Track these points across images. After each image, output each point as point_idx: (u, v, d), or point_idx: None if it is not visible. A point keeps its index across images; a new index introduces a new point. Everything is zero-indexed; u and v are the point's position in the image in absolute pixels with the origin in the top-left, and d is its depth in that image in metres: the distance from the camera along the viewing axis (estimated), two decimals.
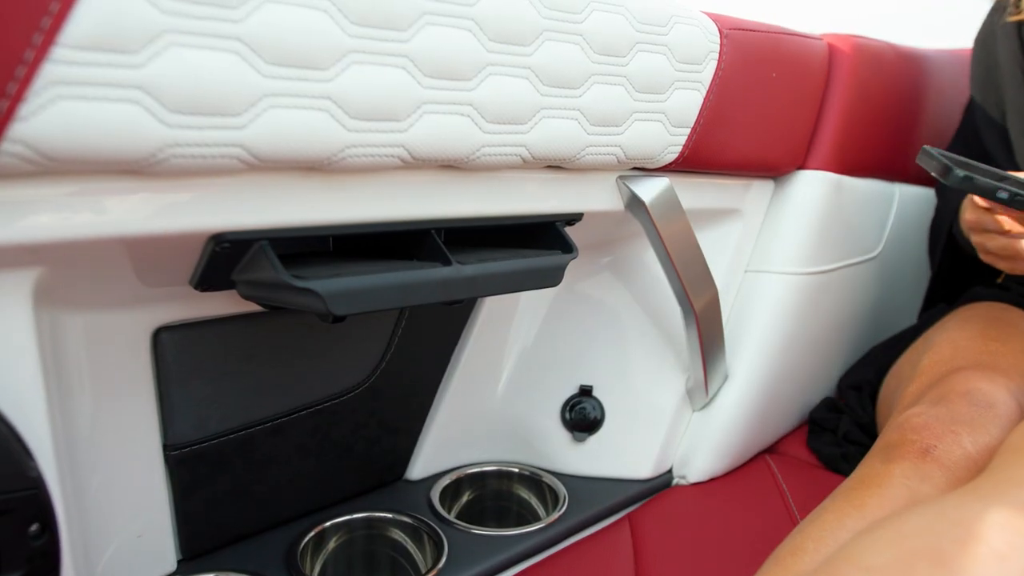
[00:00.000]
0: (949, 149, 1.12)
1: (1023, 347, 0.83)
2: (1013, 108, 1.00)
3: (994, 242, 0.82)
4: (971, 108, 1.08)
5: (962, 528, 0.46)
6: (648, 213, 0.79)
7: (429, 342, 0.89)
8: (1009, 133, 1.01)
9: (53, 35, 0.40)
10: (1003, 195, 0.66)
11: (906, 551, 0.46)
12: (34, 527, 0.50)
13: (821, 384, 1.15)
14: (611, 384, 0.98)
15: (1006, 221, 0.79)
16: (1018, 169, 1.00)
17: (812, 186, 0.98)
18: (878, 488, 0.65)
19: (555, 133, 0.66)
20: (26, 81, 0.40)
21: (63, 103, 0.41)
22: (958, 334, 0.88)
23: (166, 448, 0.71)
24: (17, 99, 0.40)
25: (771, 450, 1.10)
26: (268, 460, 0.79)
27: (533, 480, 0.97)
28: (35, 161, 0.42)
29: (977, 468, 0.66)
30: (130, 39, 0.42)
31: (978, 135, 1.06)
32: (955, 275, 1.09)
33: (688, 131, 0.79)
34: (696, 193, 0.88)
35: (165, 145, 0.45)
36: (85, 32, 0.41)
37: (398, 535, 0.85)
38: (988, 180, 0.68)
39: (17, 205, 0.45)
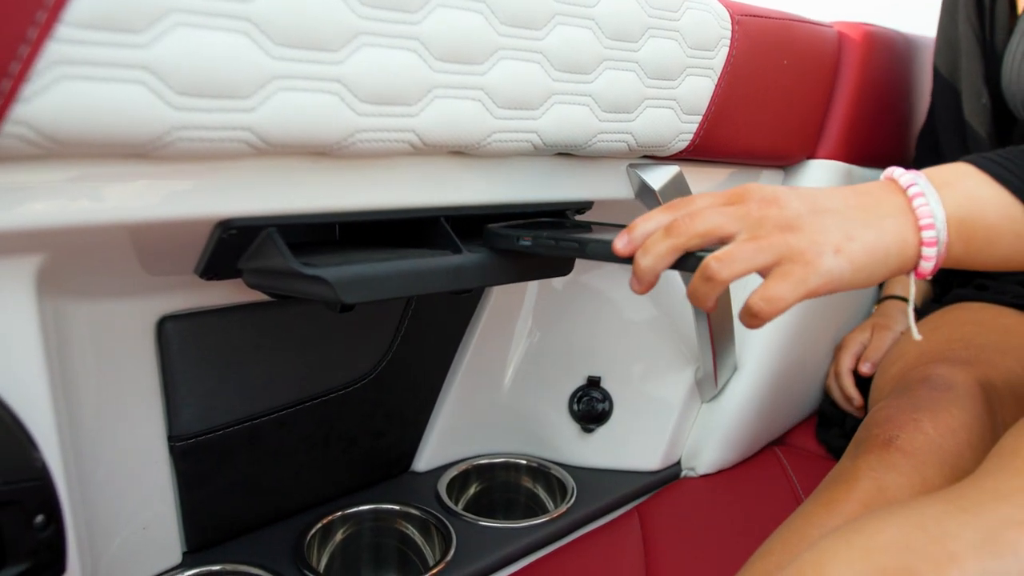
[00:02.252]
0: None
1: (989, 342, 0.84)
2: (967, 74, 0.99)
3: (835, 392, 1.04)
4: (934, 80, 1.06)
5: (938, 546, 0.44)
6: (659, 201, 0.77)
7: (436, 332, 0.88)
8: (962, 100, 1.00)
9: (57, 13, 0.39)
10: (525, 243, 0.61)
11: (877, 567, 0.45)
12: (39, 518, 0.49)
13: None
14: (619, 375, 0.97)
15: (854, 398, 1.00)
16: (966, 147, 0.99)
17: (822, 175, 0.97)
18: (844, 484, 0.65)
19: (566, 119, 0.65)
20: (29, 60, 0.39)
21: (67, 83, 0.40)
22: (925, 342, 0.89)
23: (170, 439, 0.70)
24: (20, 79, 0.39)
25: (780, 442, 1.09)
26: (274, 452, 0.78)
27: (541, 472, 0.96)
28: (38, 144, 0.41)
29: (942, 452, 0.66)
30: (136, 18, 0.41)
31: (938, 108, 1.04)
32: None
33: (700, 118, 0.77)
34: (707, 182, 0.87)
35: (172, 128, 0.44)
36: (90, 10, 0.40)
37: (405, 527, 0.84)
38: (509, 231, 0.62)
39: (19, 190, 0.44)
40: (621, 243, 0.53)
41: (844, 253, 0.50)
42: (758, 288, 0.50)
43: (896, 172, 0.56)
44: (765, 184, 0.54)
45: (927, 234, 0.52)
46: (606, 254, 0.56)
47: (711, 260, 0.50)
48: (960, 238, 0.54)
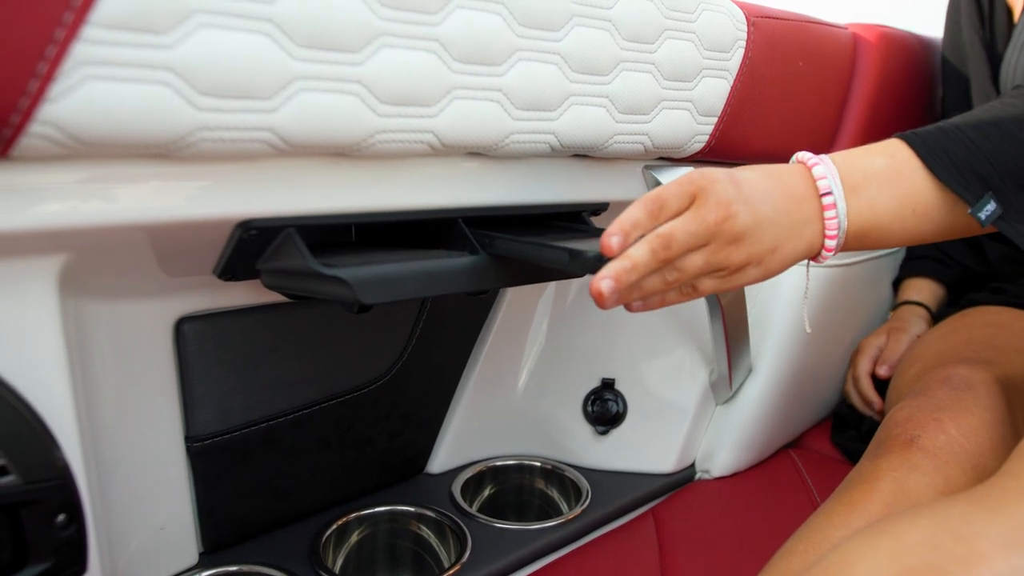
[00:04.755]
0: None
1: (1007, 344, 0.83)
2: (975, 77, 0.99)
3: (854, 397, 1.03)
4: (944, 83, 1.07)
5: (965, 546, 0.45)
6: None
7: (451, 334, 0.88)
8: (972, 104, 1.00)
9: (84, 14, 0.39)
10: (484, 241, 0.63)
11: (904, 568, 0.45)
12: (61, 517, 0.50)
13: (844, 380, 1.13)
14: (633, 377, 0.97)
15: (874, 401, 1.00)
16: None
17: None
18: (866, 484, 0.65)
19: (584, 120, 0.65)
20: (56, 61, 0.39)
21: (93, 84, 0.41)
22: (942, 344, 0.89)
23: (188, 440, 0.70)
24: (47, 79, 0.39)
25: (795, 445, 1.09)
26: (290, 452, 0.78)
27: (555, 474, 0.96)
28: (64, 144, 0.42)
29: (964, 452, 0.65)
30: (161, 19, 0.42)
31: (951, 112, 1.04)
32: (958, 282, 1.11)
33: (715, 120, 0.77)
34: None
35: (195, 128, 0.45)
36: (116, 11, 0.40)
37: (420, 529, 0.84)
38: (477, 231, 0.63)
39: (43, 190, 0.44)
40: (616, 240, 0.52)
41: (764, 264, 0.58)
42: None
43: (815, 170, 0.60)
44: (720, 176, 0.56)
45: (829, 242, 0.60)
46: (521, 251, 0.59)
47: (671, 270, 0.55)
48: (856, 239, 0.61)
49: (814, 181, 0.60)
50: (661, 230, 0.53)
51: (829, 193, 0.59)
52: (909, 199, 0.61)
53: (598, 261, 0.54)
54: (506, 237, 0.61)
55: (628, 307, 0.58)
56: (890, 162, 0.62)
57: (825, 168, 0.60)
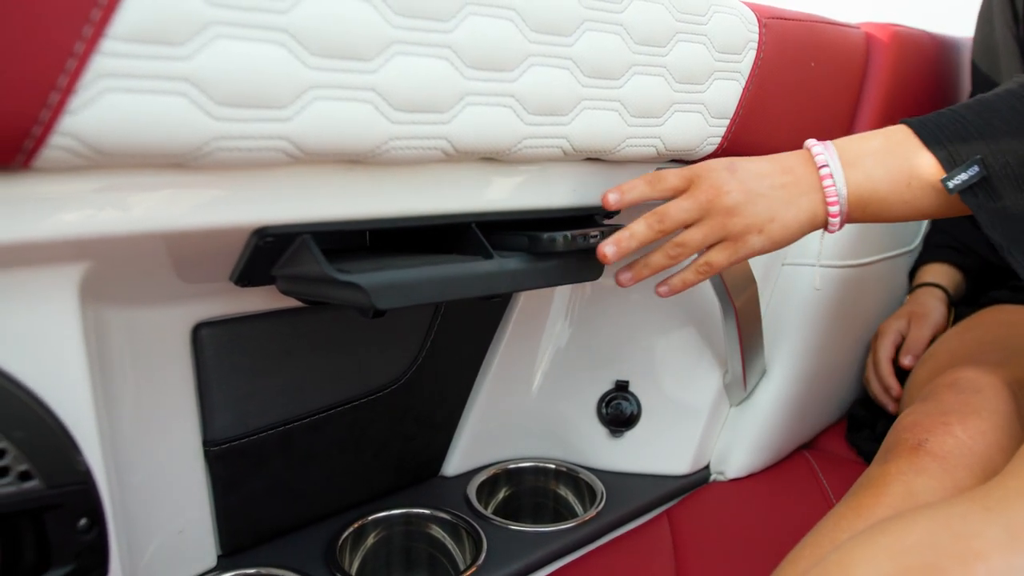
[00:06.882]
0: None
1: (1021, 344, 0.82)
2: (1008, 77, 0.98)
3: (873, 384, 1.03)
4: (974, 83, 1.06)
5: (964, 544, 0.45)
6: None
7: (465, 338, 0.89)
8: None
9: (103, 27, 0.40)
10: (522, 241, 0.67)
11: (903, 567, 0.45)
12: (83, 521, 0.50)
13: (860, 379, 1.13)
14: (647, 379, 0.97)
15: (892, 388, 1.00)
16: None
17: None
18: (874, 489, 0.65)
19: (596, 125, 0.65)
20: (76, 74, 0.40)
21: (112, 96, 0.41)
22: (956, 344, 0.88)
23: (206, 444, 0.71)
24: (68, 92, 0.40)
25: (810, 446, 1.08)
26: (306, 456, 0.79)
27: (570, 476, 0.96)
28: (84, 155, 0.42)
29: (972, 455, 0.65)
30: (177, 31, 0.42)
31: None
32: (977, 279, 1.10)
33: (727, 122, 0.78)
34: None
35: (212, 138, 0.45)
36: (133, 24, 0.41)
37: (436, 531, 0.85)
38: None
39: (65, 200, 0.45)
40: (614, 197, 0.66)
41: (765, 232, 0.65)
42: (702, 255, 0.67)
43: (814, 149, 0.67)
44: (716, 166, 0.66)
45: (832, 208, 0.66)
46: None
47: (673, 247, 0.66)
48: (858, 208, 0.67)
49: (813, 158, 0.66)
50: (657, 208, 0.64)
51: (826, 165, 0.66)
52: (903, 173, 0.65)
53: (565, 240, 0.63)
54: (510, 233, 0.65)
55: (657, 291, 0.69)
56: (886, 142, 0.66)
57: (823, 147, 0.67)
